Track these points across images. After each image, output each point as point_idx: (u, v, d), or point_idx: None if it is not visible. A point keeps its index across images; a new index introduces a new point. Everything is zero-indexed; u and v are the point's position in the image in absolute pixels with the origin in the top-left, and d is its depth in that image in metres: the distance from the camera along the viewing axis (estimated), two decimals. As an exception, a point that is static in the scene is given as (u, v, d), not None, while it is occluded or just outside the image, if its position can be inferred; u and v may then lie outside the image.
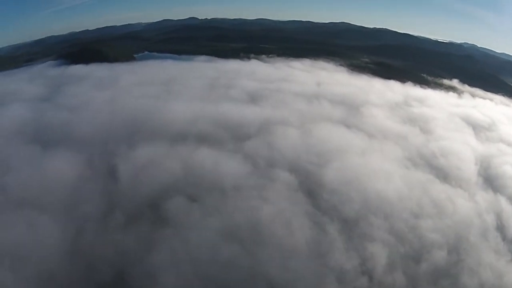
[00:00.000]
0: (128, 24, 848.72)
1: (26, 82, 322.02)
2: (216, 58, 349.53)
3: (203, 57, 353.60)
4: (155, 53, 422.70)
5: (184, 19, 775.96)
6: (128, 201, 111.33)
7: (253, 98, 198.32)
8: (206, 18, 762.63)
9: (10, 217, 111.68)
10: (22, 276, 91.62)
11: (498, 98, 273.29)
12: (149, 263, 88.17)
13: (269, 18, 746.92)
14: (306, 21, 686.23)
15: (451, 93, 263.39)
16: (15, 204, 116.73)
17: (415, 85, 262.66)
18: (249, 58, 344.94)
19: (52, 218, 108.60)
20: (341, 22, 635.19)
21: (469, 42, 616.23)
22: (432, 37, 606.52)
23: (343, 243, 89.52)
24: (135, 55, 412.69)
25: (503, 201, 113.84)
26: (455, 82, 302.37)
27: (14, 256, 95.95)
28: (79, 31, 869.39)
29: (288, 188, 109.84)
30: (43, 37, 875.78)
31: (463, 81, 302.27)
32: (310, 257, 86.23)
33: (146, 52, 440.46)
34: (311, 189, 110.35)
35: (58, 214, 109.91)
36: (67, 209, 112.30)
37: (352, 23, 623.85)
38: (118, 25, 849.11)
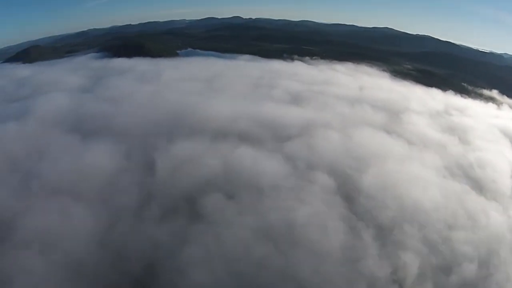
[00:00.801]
0: (172, 20, 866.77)
1: (68, 72, 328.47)
2: (260, 57, 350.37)
3: (246, 56, 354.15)
4: (198, 50, 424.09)
5: (229, 18, 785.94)
6: (165, 194, 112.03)
7: (296, 99, 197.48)
8: (250, 18, 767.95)
9: (44, 203, 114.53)
10: (50, 262, 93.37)
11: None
12: (181, 258, 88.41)
13: (313, 20, 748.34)
14: (349, 25, 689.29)
15: (490, 104, 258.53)
16: (50, 190, 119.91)
17: (455, 94, 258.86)
18: (292, 59, 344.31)
19: (87, 207, 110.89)
20: (385, 27, 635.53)
21: (509, 53, 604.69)
22: (473, 46, 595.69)
23: (377, 249, 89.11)
24: (178, 51, 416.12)
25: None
26: (494, 93, 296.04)
27: (45, 242, 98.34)
28: (122, 25, 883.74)
29: (326, 191, 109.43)
30: (85, 29, 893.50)
31: (503, 92, 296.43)
32: (342, 262, 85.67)
33: (189, 49, 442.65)
34: (349, 193, 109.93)
35: (93, 204, 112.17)
36: (103, 199, 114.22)
37: (395, 28, 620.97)
38: (161, 21, 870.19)
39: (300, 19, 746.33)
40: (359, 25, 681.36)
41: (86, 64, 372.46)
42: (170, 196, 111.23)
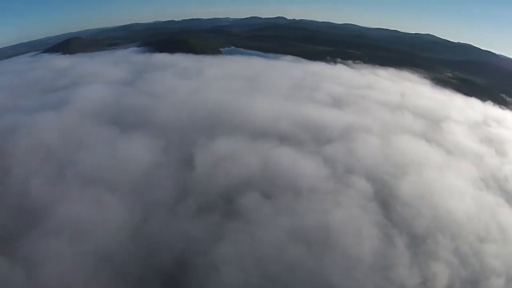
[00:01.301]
0: (216, 18, 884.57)
1: (109, 65, 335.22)
2: (302, 59, 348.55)
3: (289, 57, 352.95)
4: (241, 49, 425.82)
5: (272, 18, 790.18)
6: (201, 191, 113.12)
7: (337, 103, 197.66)
8: (294, 19, 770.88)
9: (78, 193, 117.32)
10: (80, 251, 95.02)
11: None
12: (213, 255, 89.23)
13: (356, 24, 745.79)
14: (392, 30, 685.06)
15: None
16: (85, 181, 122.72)
17: (494, 105, 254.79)
18: (335, 62, 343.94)
19: (122, 199, 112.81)
20: (427, 34, 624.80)
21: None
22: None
23: (408, 258, 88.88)
24: (221, 49, 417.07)
25: None
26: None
27: (76, 231, 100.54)
28: (165, 21, 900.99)
29: (362, 196, 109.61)
30: (128, 23, 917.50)
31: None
32: (374, 269, 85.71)
33: (232, 47, 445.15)
34: (385, 199, 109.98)
35: (128, 196, 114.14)
36: (138, 192, 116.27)
37: (437, 35, 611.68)
38: (205, 18, 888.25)
39: (343, 22, 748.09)
40: (401, 30, 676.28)
41: (128, 58, 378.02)
42: (207, 192, 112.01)
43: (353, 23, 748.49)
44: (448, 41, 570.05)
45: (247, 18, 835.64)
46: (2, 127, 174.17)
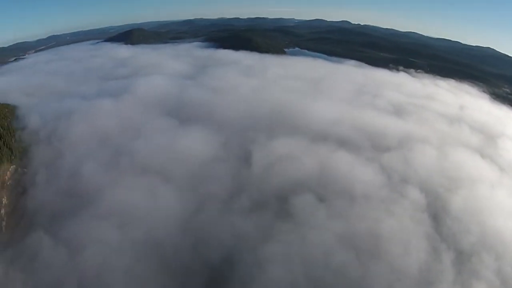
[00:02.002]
0: (281, 18, 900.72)
1: (171, 58, 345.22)
2: (365, 64, 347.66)
3: (352, 62, 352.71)
4: (305, 51, 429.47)
5: (337, 22, 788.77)
6: (257, 188, 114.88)
7: (397, 111, 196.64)
8: (359, 24, 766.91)
9: (132, 180, 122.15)
10: (128, 237, 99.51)
11: None
12: (262, 253, 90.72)
13: (419, 33, 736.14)
14: (454, 41, 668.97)
15: None
16: (139, 169, 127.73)
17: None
18: (397, 69, 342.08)
19: (176, 190, 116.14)
20: (487, 47, 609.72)
21: None
22: None
23: (453, 275, 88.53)
24: (285, 49, 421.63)
25: None
26: None
27: (125, 217, 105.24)
28: (230, 18, 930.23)
29: (415, 207, 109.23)
30: (192, 18, 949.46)
31: None
32: (417, 282, 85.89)
33: (296, 48, 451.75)
34: (437, 212, 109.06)
35: (182, 188, 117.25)
36: (193, 184, 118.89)
37: (497, 49, 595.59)
38: (270, 18, 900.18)
39: (406, 30, 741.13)
40: (463, 42, 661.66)
41: (191, 52, 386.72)
42: (261, 190, 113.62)
43: (416, 31, 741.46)
44: (507, 56, 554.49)
45: (312, 20, 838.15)
46: (59, 111, 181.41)
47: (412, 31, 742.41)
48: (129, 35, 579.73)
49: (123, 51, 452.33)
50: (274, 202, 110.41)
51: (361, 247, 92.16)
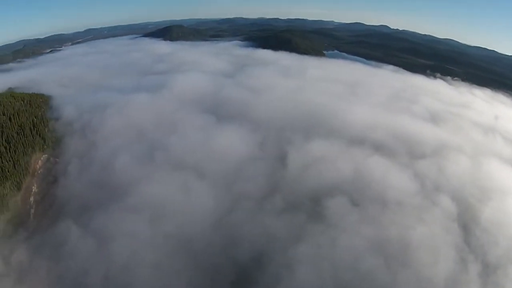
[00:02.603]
0: (320, 20, 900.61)
1: (210, 55, 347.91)
2: (403, 70, 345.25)
3: (390, 67, 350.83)
4: (344, 54, 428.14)
5: (376, 26, 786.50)
6: (291, 189, 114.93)
7: (433, 118, 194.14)
8: (397, 29, 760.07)
9: (166, 175, 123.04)
10: (159, 232, 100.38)
11: None
12: (292, 254, 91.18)
13: (456, 40, 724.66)
14: (490, 50, 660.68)
15: None
16: (174, 164, 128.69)
17: None
18: (434, 76, 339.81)
19: (210, 187, 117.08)
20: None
21: None
22: None
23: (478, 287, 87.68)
24: (324, 52, 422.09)
25: None
26: None
27: (157, 212, 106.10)
28: (270, 18, 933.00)
29: (446, 216, 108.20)
30: (231, 17, 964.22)
31: None
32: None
33: (335, 51, 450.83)
34: (467, 222, 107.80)
35: (217, 185, 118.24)
36: (228, 182, 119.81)
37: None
38: (309, 19, 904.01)
39: (444, 37, 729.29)
40: (499, 51, 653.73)
41: (230, 51, 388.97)
42: (295, 192, 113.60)
43: (453, 38, 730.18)
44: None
45: (351, 23, 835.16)
46: (94, 103, 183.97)
47: (450, 38, 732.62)
48: (168, 31, 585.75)
49: (161, 47, 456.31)
50: (307, 203, 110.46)
51: (390, 253, 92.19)
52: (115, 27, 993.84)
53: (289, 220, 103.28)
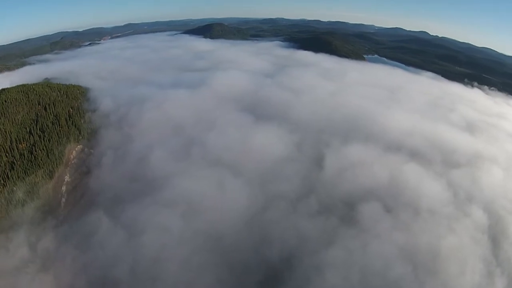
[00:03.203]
0: (361, 24, 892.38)
1: (251, 54, 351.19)
2: (441, 77, 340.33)
3: (429, 74, 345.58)
4: (384, 58, 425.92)
5: (416, 32, 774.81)
6: (325, 192, 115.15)
7: (469, 127, 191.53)
8: (437, 36, 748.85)
9: (201, 171, 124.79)
10: (190, 227, 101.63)
11: None
12: (322, 257, 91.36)
13: (494, 49, 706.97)
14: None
15: None
16: (210, 161, 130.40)
17: None
18: (472, 85, 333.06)
19: (245, 185, 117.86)
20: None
21: None
22: None
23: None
24: (364, 56, 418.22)
25: None
26: None
27: (190, 207, 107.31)
28: (311, 20, 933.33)
29: (476, 227, 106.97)
30: (273, 17, 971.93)
31: None
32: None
33: (375, 55, 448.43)
34: (496, 235, 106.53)
35: (252, 184, 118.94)
36: (264, 181, 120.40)
37: None
38: (350, 22, 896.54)
39: (482, 46, 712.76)
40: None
41: (271, 50, 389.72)
42: (330, 194, 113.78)
43: (491, 47, 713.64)
44: None
45: (391, 28, 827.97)
46: (132, 97, 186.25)
47: (488, 47, 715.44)
48: (209, 29, 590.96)
49: (202, 44, 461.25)
50: (341, 207, 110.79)
51: (419, 261, 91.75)
52: (156, 23, 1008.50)
53: (321, 223, 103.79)
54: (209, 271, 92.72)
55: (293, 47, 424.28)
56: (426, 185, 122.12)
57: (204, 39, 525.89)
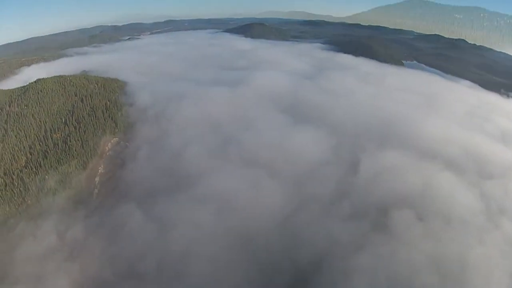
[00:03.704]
0: (401, 29, 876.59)
1: (291, 55, 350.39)
2: (478, 86, 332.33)
3: (467, 82, 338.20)
4: (422, 65, 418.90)
5: (454, 39, 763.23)
6: (359, 197, 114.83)
7: (505, 138, 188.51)
8: (474, 44, 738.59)
9: (237, 169, 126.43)
10: (222, 225, 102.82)
11: None
12: (351, 262, 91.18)
13: None
14: None
15: None
16: (246, 160, 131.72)
17: None
18: (508, 96, 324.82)
19: (280, 186, 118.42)
20: None
21: None
22: None
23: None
24: (403, 61, 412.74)
25: None
26: None
27: (224, 205, 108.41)
28: (351, 24, 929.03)
29: (506, 240, 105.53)
30: (314, 19, 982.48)
31: None
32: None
33: (414, 61, 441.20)
34: None
35: (286, 185, 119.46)
36: (299, 183, 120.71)
37: None
38: (390, 27, 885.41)
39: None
40: None
41: (311, 52, 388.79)
42: (363, 200, 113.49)
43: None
44: None
45: (430, 35, 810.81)
46: (170, 93, 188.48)
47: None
48: (250, 28, 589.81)
49: (242, 43, 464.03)
50: (373, 212, 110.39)
51: (447, 272, 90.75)
52: (196, 20, 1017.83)
53: (353, 227, 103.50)
54: (237, 269, 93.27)
55: (334, 50, 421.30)
56: (459, 195, 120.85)
57: (244, 38, 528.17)
